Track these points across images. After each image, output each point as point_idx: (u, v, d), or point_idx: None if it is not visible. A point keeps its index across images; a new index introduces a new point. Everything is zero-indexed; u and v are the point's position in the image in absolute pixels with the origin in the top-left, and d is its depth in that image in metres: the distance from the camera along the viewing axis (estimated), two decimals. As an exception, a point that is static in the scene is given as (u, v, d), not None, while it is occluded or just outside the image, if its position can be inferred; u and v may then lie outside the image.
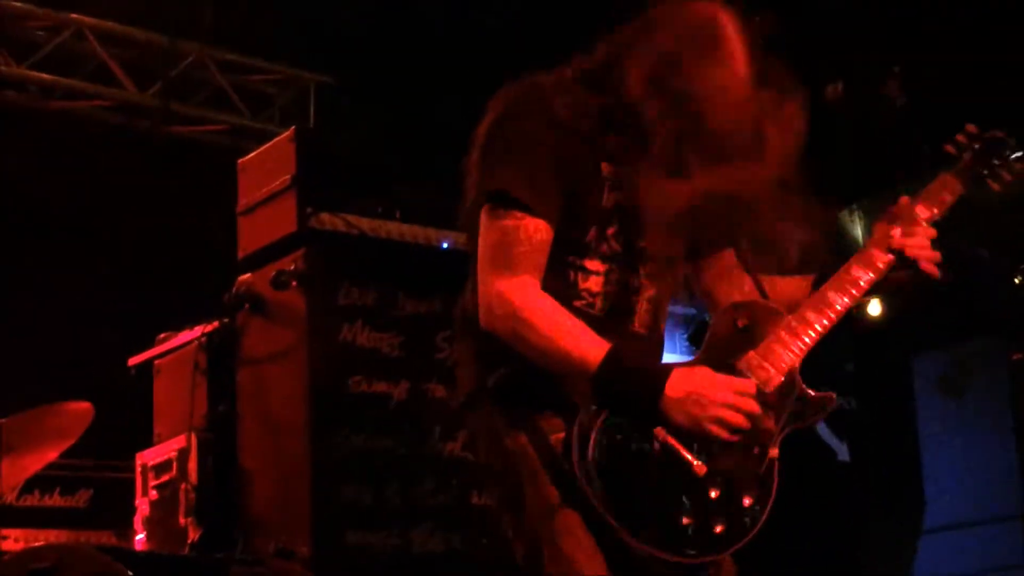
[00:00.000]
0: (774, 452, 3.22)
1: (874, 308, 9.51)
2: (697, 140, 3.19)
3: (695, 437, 3.10)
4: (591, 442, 3.07)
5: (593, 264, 3.29)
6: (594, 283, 3.29)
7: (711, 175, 3.21)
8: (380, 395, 5.53)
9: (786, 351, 3.27)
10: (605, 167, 3.29)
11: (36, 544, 5.91)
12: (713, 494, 3.12)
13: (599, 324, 3.24)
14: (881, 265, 3.38)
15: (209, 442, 5.70)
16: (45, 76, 8.79)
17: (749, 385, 3.17)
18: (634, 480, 3.08)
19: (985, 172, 3.54)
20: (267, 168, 5.87)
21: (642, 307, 3.37)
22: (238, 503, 5.62)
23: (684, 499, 3.10)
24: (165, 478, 5.86)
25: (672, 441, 3.10)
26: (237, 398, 5.77)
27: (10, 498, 6.45)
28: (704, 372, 3.15)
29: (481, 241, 3.25)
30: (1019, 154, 3.50)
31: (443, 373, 5.58)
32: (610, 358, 3.10)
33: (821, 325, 3.31)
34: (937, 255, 3.40)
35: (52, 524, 6.63)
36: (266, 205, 5.83)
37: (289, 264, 5.56)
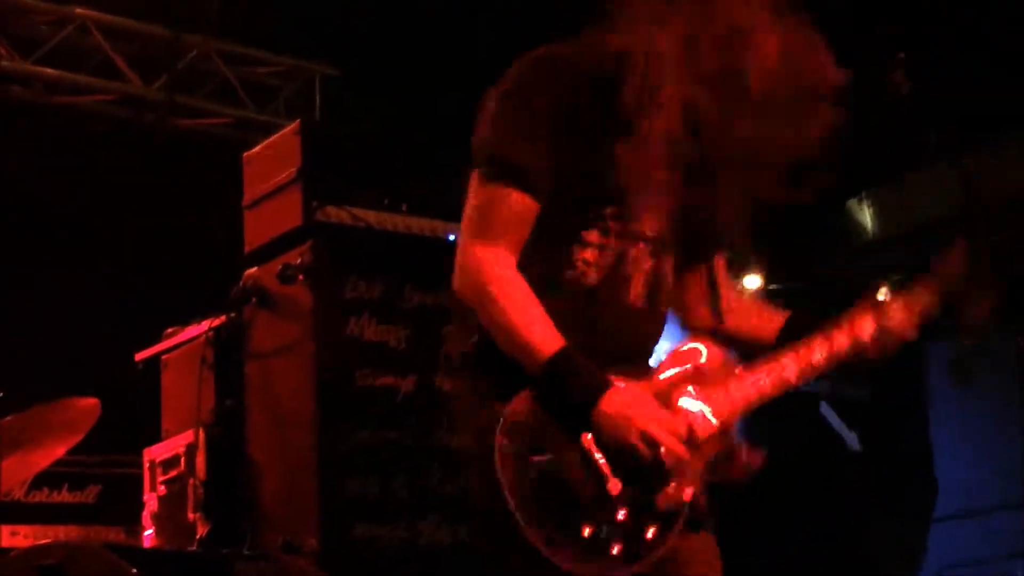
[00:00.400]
0: (688, 494, 3.16)
1: (884, 295, 9.47)
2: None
3: (616, 456, 3.07)
4: (517, 428, 3.06)
5: (592, 236, 3.27)
6: (590, 254, 3.26)
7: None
8: (387, 388, 5.52)
9: (728, 401, 3.25)
10: (614, 144, 3.24)
11: (44, 540, 5.91)
12: (620, 515, 3.08)
13: (589, 295, 3.24)
14: (843, 352, 3.39)
15: (217, 437, 5.69)
16: (49, 71, 8.77)
17: (676, 424, 3.13)
18: (548, 479, 3.05)
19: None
20: (272, 161, 5.86)
21: (639, 279, 3.33)
22: (246, 497, 5.61)
23: (590, 510, 3.06)
24: (173, 473, 5.85)
25: (595, 451, 3.07)
26: (244, 392, 5.77)
27: (19, 494, 6.45)
28: (642, 395, 3.14)
29: (467, 202, 3.25)
30: None
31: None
32: (559, 357, 3.09)
33: (769, 390, 3.31)
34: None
35: (61, 520, 6.63)
36: (272, 198, 5.81)
37: (295, 258, 5.55)
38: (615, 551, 3.07)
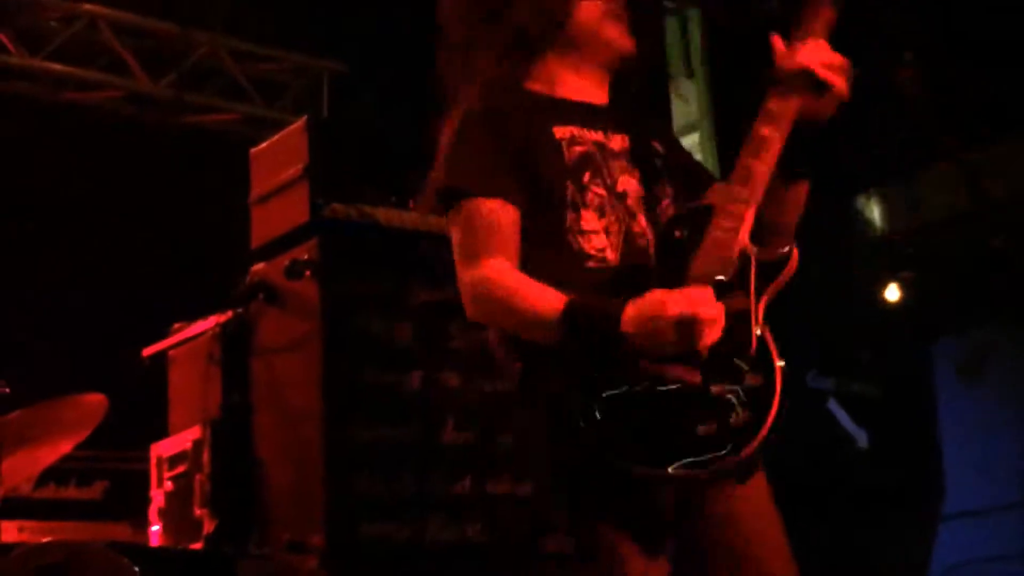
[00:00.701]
0: (757, 329, 3.14)
1: (892, 293, 9.47)
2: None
3: (676, 355, 3.05)
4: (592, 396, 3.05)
5: (590, 221, 3.28)
6: (597, 241, 3.27)
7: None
8: (394, 384, 5.51)
9: (730, 233, 3.17)
10: (557, 130, 3.32)
11: (48, 538, 5.92)
12: (715, 390, 3.06)
13: (618, 276, 3.24)
14: (784, 109, 3.26)
15: (223, 433, 5.70)
16: (57, 67, 8.77)
17: (703, 291, 3.07)
18: (645, 418, 3.04)
19: None
20: (279, 158, 5.87)
21: (652, 249, 3.34)
22: (253, 494, 5.61)
23: (695, 411, 3.05)
24: (180, 469, 5.86)
25: (655, 367, 3.05)
26: (251, 388, 5.77)
27: (26, 490, 6.45)
28: (654, 295, 3.08)
29: (453, 247, 3.29)
30: None
31: (457, 362, 5.57)
32: (568, 309, 3.08)
33: (753, 197, 3.21)
34: (835, 59, 3.26)
35: (68, 516, 6.63)
36: (279, 195, 5.82)
37: (302, 254, 5.55)
38: (740, 422, 3.05)
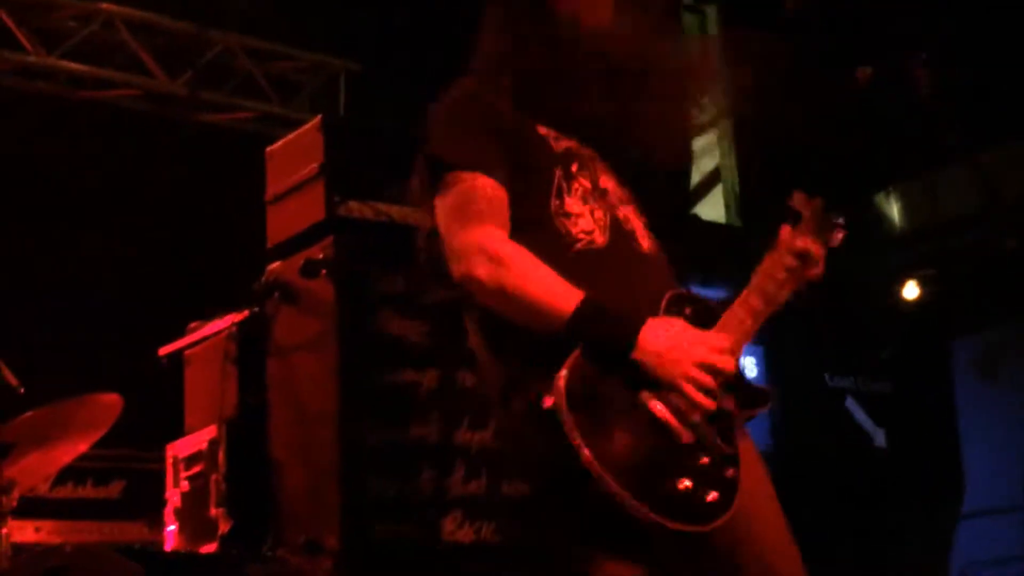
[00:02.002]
0: (741, 435, 3.21)
1: (911, 291, 9.44)
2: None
3: (673, 401, 3.08)
4: (577, 391, 3.03)
5: (574, 206, 3.30)
6: (584, 224, 3.29)
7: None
8: (409, 384, 5.50)
9: (732, 341, 3.24)
10: (541, 128, 3.36)
11: (63, 537, 5.93)
12: (703, 461, 3.09)
13: (606, 255, 3.26)
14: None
15: (239, 432, 5.69)
16: (75, 65, 8.78)
17: (722, 340, 3.16)
18: (628, 446, 3.03)
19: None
20: (295, 156, 5.86)
21: (640, 233, 3.38)
22: (268, 494, 5.61)
23: (678, 464, 3.06)
24: (196, 469, 5.86)
25: (658, 406, 3.07)
26: (267, 388, 5.76)
27: (43, 489, 6.46)
28: (681, 324, 3.14)
29: (439, 211, 3.28)
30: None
31: (472, 361, 5.54)
32: (585, 304, 3.08)
33: (749, 322, 3.30)
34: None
35: (85, 515, 6.62)
36: (295, 193, 5.81)
37: (318, 252, 5.54)
38: (712, 497, 3.08)
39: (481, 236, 3.18)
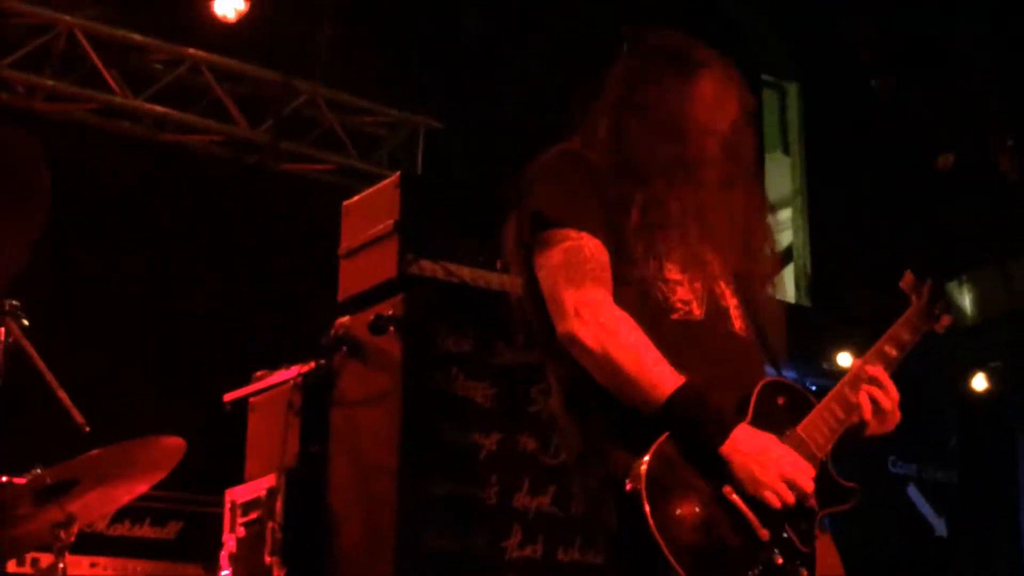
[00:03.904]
0: (817, 532, 3.22)
1: (979, 382, 9.37)
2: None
3: (759, 500, 3.10)
4: (659, 477, 3.06)
5: (673, 273, 3.32)
6: (682, 292, 3.32)
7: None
8: (471, 445, 5.50)
9: (821, 435, 3.29)
10: (642, 195, 3.38)
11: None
12: (778, 560, 3.11)
13: (703, 328, 3.30)
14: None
15: (298, 482, 5.70)
16: (159, 108, 8.90)
17: (808, 468, 3.18)
18: (699, 528, 3.06)
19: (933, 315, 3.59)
20: (371, 212, 5.89)
21: (734, 312, 3.40)
22: (324, 545, 5.61)
23: (752, 560, 3.08)
24: (253, 516, 5.87)
25: (739, 501, 3.09)
26: (329, 440, 5.77)
27: (101, 527, 6.49)
28: (772, 439, 3.17)
29: (543, 268, 3.30)
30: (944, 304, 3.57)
31: (535, 426, 5.55)
32: (684, 389, 3.11)
33: (842, 414, 3.35)
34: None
35: (141, 554, 6.66)
36: (368, 249, 5.84)
37: (388, 309, 5.56)
38: None
39: (591, 297, 3.20)
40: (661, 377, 3.13)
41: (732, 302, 3.40)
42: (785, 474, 3.11)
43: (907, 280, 3.57)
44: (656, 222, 3.32)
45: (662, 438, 3.09)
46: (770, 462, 3.11)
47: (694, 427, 3.11)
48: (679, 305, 3.30)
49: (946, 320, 3.56)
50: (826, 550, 3.27)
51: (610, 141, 3.44)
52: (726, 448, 3.09)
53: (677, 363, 3.17)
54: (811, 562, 3.17)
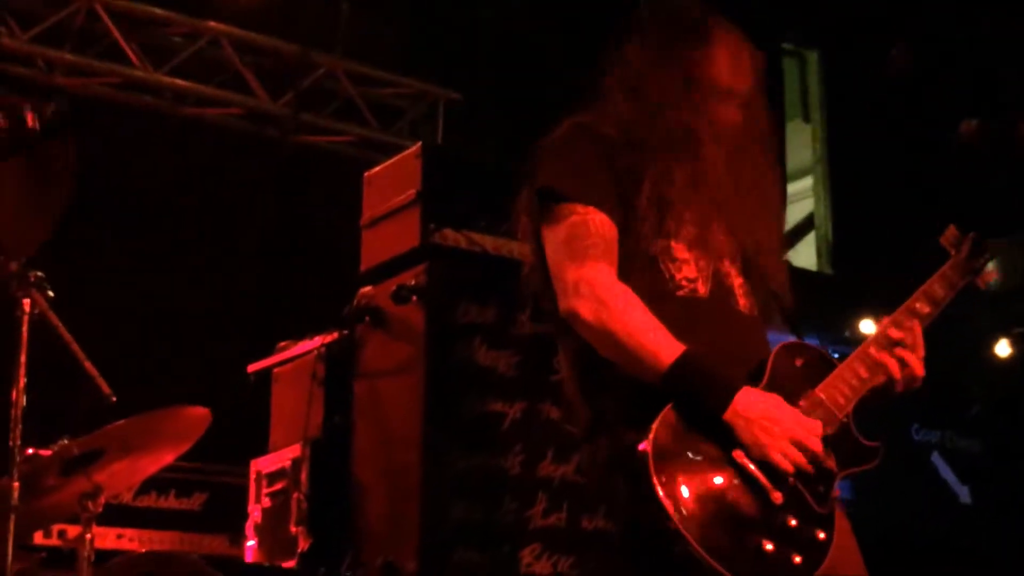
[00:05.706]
0: (835, 492, 3.22)
1: (1003, 349, 9.34)
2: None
3: (763, 464, 3.10)
4: (667, 446, 3.06)
5: (680, 251, 3.33)
6: (688, 270, 3.33)
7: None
8: (495, 414, 5.51)
9: (842, 395, 3.28)
10: (653, 171, 3.38)
11: (145, 546, 5.97)
12: (792, 523, 3.10)
13: (707, 306, 3.31)
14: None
15: (323, 452, 5.72)
16: (179, 82, 8.90)
17: (817, 426, 3.18)
18: (716, 503, 3.06)
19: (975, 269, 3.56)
20: (392, 182, 5.89)
21: (739, 291, 3.41)
22: (349, 515, 5.63)
23: (761, 523, 3.08)
24: (278, 486, 5.89)
25: (751, 466, 3.09)
26: (353, 410, 5.78)
27: (127, 498, 6.52)
28: (777, 400, 3.16)
29: (548, 242, 3.32)
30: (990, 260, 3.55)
31: (559, 394, 5.55)
32: (684, 358, 3.12)
33: (866, 374, 3.33)
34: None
35: (167, 525, 6.67)
36: (390, 219, 5.84)
37: (410, 279, 5.56)
38: (797, 560, 3.08)
39: (591, 273, 3.21)
40: (661, 347, 3.14)
41: (737, 280, 3.41)
42: (792, 435, 3.11)
43: (948, 234, 3.56)
44: (665, 197, 3.33)
45: (667, 408, 3.10)
46: (775, 424, 3.11)
47: (696, 394, 3.12)
48: (684, 283, 3.31)
49: (991, 275, 3.53)
50: (838, 525, 3.26)
51: (622, 113, 3.44)
52: (729, 413, 3.11)
53: (681, 340, 3.17)
54: (828, 524, 3.16)
